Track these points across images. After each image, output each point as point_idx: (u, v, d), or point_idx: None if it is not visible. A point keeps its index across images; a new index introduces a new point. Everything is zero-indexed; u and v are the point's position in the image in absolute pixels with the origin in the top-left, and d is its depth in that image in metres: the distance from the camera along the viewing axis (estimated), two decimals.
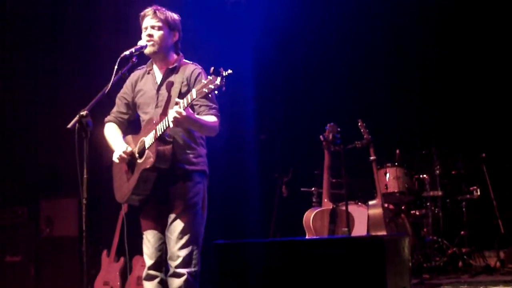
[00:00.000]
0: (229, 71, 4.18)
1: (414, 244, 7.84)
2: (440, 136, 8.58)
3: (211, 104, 4.72)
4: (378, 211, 7.06)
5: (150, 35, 4.83)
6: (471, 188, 8.16)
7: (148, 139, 4.64)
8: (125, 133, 5.03)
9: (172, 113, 4.34)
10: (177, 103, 4.37)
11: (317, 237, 6.58)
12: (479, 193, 8.12)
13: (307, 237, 6.72)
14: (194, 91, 4.28)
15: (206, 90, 4.22)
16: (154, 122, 4.65)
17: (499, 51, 8.77)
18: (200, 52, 7.48)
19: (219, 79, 4.17)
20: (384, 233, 6.91)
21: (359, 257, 3.89)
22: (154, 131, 4.60)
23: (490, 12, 8.80)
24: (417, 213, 8.17)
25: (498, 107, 8.68)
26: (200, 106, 4.69)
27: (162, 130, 4.52)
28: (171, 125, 4.37)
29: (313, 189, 7.87)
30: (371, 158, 7.32)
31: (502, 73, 8.73)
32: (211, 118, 4.69)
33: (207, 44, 8.33)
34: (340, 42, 9.23)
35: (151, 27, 4.85)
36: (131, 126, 5.06)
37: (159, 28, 4.85)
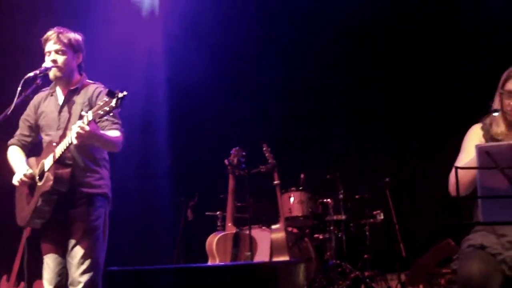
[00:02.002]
0: (124, 92, 4.17)
1: (317, 268, 7.91)
2: (345, 160, 8.70)
3: (113, 119, 4.69)
4: (281, 235, 7.10)
5: (54, 61, 4.77)
6: (374, 212, 8.27)
7: (48, 162, 4.58)
8: (28, 155, 4.96)
9: (75, 129, 4.29)
10: (81, 118, 4.33)
11: (211, 264, 6.55)
12: (382, 217, 8.24)
13: (209, 262, 6.70)
14: (90, 113, 4.26)
15: (102, 112, 4.20)
16: (54, 144, 4.59)
17: (401, 81, 8.96)
18: (110, 66, 7.46)
19: (114, 101, 4.16)
20: (286, 257, 6.94)
21: (251, 284, 3.89)
22: (53, 153, 4.54)
23: (391, 48, 9.01)
24: (321, 237, 8.24)
25: (401, 132, 8.85)
26: (103, 121, 4.65)
27: (63, 150, 4.46)
28: (75, 141, 4.32)
29: (218, 213, 7.87)
30: (275, 182, 7.37)
31: (405, 101, 8.91)
32: (114, 133, 4.65)
33: (119, 58, 8.29)
34: (246, 66, 9.28)
35: (54, 51, 4.79)
36: (37, 148, 5.00)
37: (63, 53, 4.80)
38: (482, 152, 3.20)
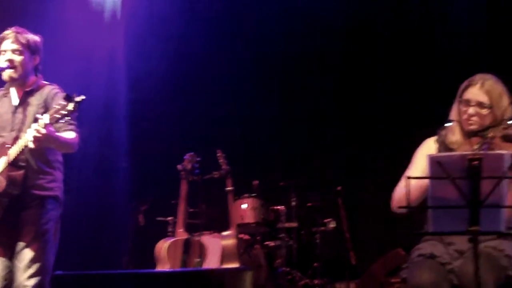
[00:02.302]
0: (82, 97, 4.15)
1: (267, 275, 7.91)
2: (298, 168, 8.73)
3: (69, 120, 4.64)
4: (231, 242, 7.09)
5: (11, 60, 4.72)
6: (325, 220, 8.29)
7: (0, 164, 4.52)
8: None
9: (31, 132, 4.23)
10: (36, 120, 4.28)
11: (158, 270, 6.52)
12: (333, 225, 8.27)
13: (158, 268, 6.67)
14: (47, 116, 4.21)
15: (59, 116, 4.17)
16: (7, 146, 4.53)
17: (355, 89, 9.04)
18: (70, 69, 7.39)
19: (71, 105, 4.13)
20: (237, 264, 6.94)
21: None
22: (6, 155, 4.48)
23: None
24: (272, 244, 8.24)
25: (354, 141, 8.90)
26: (58, 122, 4.60)
27: (17, 153, 4.41)
28: (31, 145, 4.27)
29: (169, 218, 7.84)
30: (228, 188, 7.38)
31: (360, 109, 8.97)
32: (70, 134, 4.60)
33: (79, 60, 8.24)
34: (205, 71, 9.28)
35: (11, 51, 4.73)
36: None
37: (20, 53, 4.73)
38: (433, 162, 3.24)
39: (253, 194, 8.12)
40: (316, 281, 8.01)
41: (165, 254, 6.70)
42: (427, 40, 8.65)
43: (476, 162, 3.13)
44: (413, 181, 3.49)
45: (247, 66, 9.22)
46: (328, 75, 9.11)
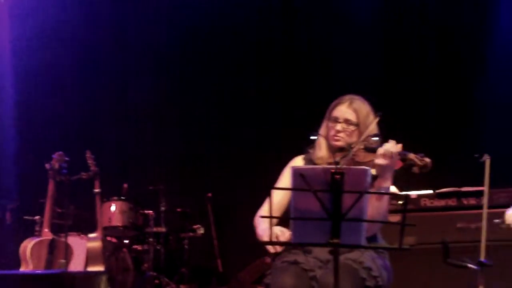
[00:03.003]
0: None
1: (135, 279, 7.84)
2: (168, 173, 8.70)
3: None
4: (97, 244, 7.01)
5: None
6: (194, 226, 8.32)
7: None
8: None
9: None
10: None
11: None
12: (202, 231, 8.30)
13: (21, 268, 6.52)
14: None
15: None
16: None
17: (228, 96, 9.10)
18: None
19: None
20: (102, 267, 6.87)
21: None
22: None
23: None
24: (140, 248, 8.18)
25: (226, 149, 8.94)
26: None
27: None
28: None
29: (36, 217, 7.65)
30: (95, 190, 7.30)
31: (233, 118, 9.01)
32: None
33: None
34: (76, 69, 9.12)
35: None
36: None
37: None
38: (296, 174, 3.28)
39: (122, 197, 8.03)
40: (182, 287, 8.01)
41: (29, 254, 6.55)
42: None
43: (338, 176, 3.20)
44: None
45: (123, 64, 9.12)
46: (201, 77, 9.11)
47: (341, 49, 8.49)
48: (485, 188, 4.17)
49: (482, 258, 4.02)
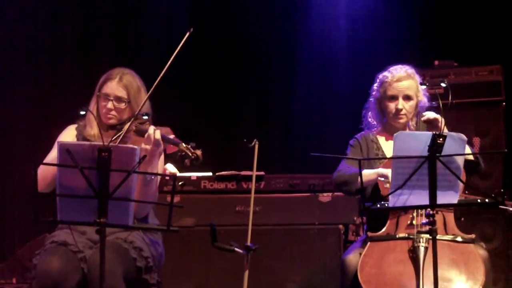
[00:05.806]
0: None
1: None
2: None
3: None
4: None
5: None
6: None
7: None
8: None
9: None
10: None
11: None
12: None
13: None
14: None
15: None
16: None
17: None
18: None
19: None
20: None
21: None
22: None
23: None
24: None
25: None
26: None
27: None
28: None
29: None
30: None
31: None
32: None
33: None
34: None
35: None
36: None
37: None
38: (63, 149, 3.18)
39: None
40: None
41: None
42: None
43: (105, 154, 3.14)
44: (41, 168, 3.44)
45: None
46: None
47: None
48: (253, 173, 4.24)
49: (248, 243, 4.11)
